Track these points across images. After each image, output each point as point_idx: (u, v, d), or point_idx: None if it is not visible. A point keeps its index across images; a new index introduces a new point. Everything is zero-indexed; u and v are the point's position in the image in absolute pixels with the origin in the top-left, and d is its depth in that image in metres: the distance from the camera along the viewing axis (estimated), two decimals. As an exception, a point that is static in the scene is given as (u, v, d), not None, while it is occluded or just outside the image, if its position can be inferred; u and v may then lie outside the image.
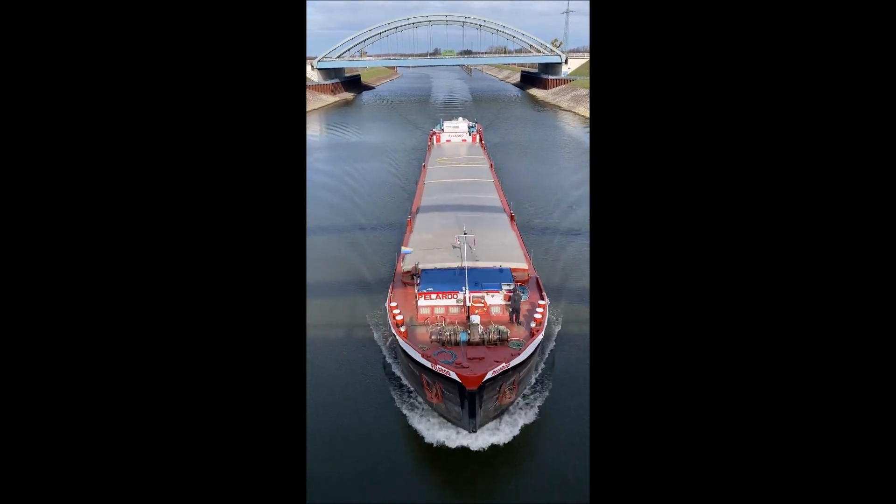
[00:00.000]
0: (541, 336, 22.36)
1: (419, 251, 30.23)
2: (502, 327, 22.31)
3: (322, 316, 29.49)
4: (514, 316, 23.69)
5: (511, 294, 24.04)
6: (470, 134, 70.88)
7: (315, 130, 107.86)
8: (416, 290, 25.56)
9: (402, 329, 22.79)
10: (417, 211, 39.85)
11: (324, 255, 38.53)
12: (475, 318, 22.13)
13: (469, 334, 21.24)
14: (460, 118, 75.80)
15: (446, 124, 72.61)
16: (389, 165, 70.86)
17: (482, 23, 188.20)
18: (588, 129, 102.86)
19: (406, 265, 28.93)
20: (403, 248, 29.45)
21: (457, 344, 21.18)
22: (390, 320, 24.03)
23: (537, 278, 28.12)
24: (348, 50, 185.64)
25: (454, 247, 29.68)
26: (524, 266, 28.78)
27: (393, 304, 24.62)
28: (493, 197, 42.44)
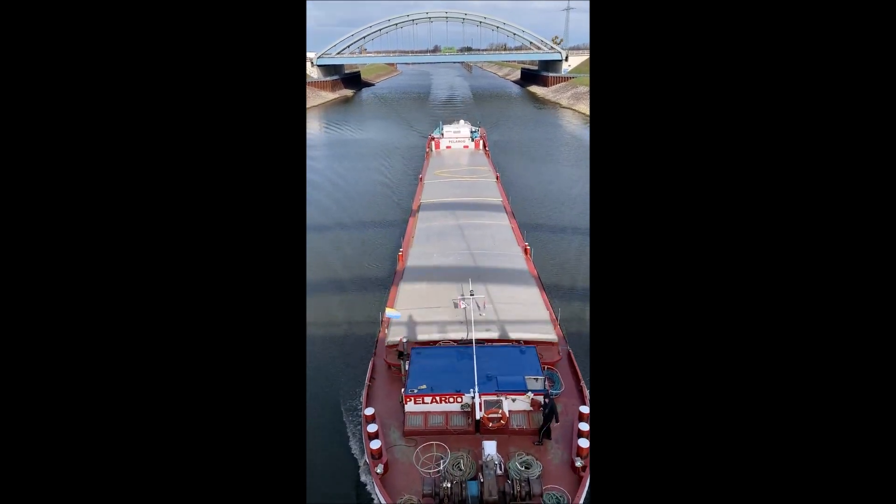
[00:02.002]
0: (588, 480, 13.97)
1: (411, 310, 21.35)
2: (531, 461, 13.78)
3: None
4: (545, 431, 14.92)
5: (543, 400, 15.06)
6: (472, 139, 59.62)
7: (313, 128, 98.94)
8: (402, 389, 16.43)
9: (380, 467, 14.00)
10: (411, 243, 30.45)
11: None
12: (489, 448, 13.57)
13: (481, 484, 12.66)
14: (462, 121, 64.33)
15: (446, 128, 61.54)
16: (383, 175, 60.37)
17: (482, 20, 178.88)
18: (589, 127, 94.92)
19: (391, 335, 19.86)
20: (388, 311, 20.19)
21: (462, 502, 12.74)
22: (364, 442, 15.34)
23: (570, 353, 19.00)
24: (348, 46, 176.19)
25: (456, 305, 20.88)
26: (552, 338, 19.51)
27: (369, 413, 15.66)
28: (504, 224, 32.84)
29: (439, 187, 41.46)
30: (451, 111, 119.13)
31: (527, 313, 20.91)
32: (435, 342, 19.07)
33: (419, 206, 37.10)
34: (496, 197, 38.47)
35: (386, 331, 20.42)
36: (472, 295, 19.53)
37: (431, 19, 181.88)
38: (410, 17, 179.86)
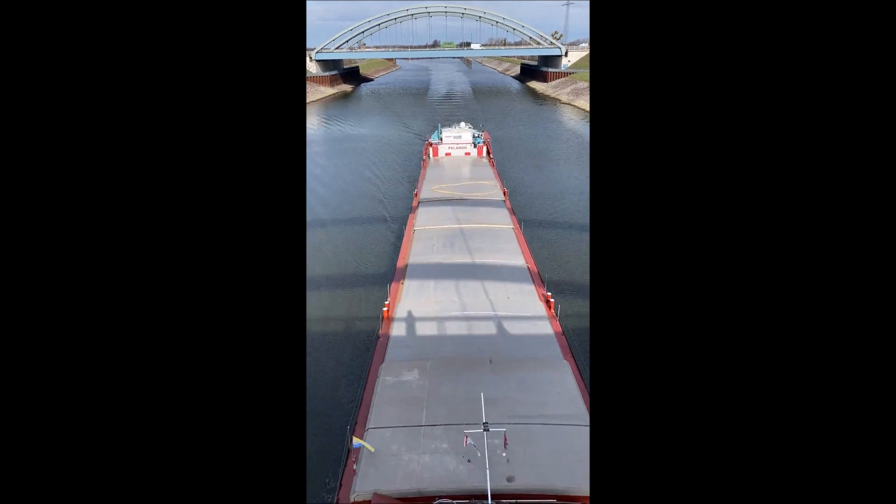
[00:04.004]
0: None
1: (392, 428, 13.85)
2: None
3: None
4: None
5: None
6: (475, 145, 52.02)
7: (309, 125, 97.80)
8: None
9: None
10: (399, 295, 22.24)
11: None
12: None
13: None
14: (463, 123, 56.20)
15: (445, 132, 53.53)
16: (375, 186, 55.20)
17: (482, 15, 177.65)
18: (589, 124, 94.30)
19: (360, 481, 12.39)
20: (356, 441, 13.13)
21: None
22: None
23: None
24: (347, 41, 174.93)
25: (465, 437, 12.45)
26: None
27: None
28: (519, 265, 24.61)
29: (436, 209, 34.37)
30: (450, 107, 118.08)
31: (565, 440, 13.53)
32: (429, 501, 12.20)
33: (411, 236, 29.80)
34: (506, 223, 31.34)
35: (354, 467, 12.95)
36: (486, 429, 11.89)
37: (431, 14, 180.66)
38: (409, 12, 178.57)
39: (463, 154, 51.66)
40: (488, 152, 52.25)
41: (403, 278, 23.87)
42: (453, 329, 18.97)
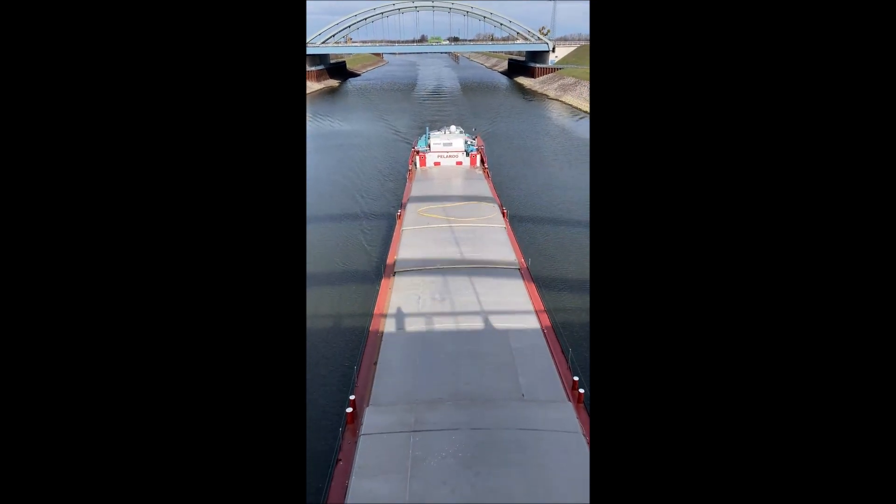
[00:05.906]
0: None
1: None
2: None
3: None
4: None
5: None
6: (467, 154, 46.24)
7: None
8: None
9: None
10: (371, 381, 15.93)
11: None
12: None
13: None
14: (453, 127, 49.97)
15: (434, 137, 47.22)
16: (359, 195, 49.63)
17: (469, 9, 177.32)
18: (578, 119, 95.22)
19: None
20: None
21: None
22: None
23: None
24: (333, 36, 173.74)
25: None
26: None
27: None
28: (533, 330, 18.56)
29: (424, 241, 27.98)
30: (439, 104, 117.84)
31: None
32: None
33: (393, 284, 23.43)
34: (511, 260, 25.16)
35: None
36: None
37: (418, 9, 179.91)
38: (397, 7, 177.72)
39: (454, 164, 45.77)
40: (482, 161, 46.34)
41: (377, 356, 17.35)
42: (447, 450, 12.84)
